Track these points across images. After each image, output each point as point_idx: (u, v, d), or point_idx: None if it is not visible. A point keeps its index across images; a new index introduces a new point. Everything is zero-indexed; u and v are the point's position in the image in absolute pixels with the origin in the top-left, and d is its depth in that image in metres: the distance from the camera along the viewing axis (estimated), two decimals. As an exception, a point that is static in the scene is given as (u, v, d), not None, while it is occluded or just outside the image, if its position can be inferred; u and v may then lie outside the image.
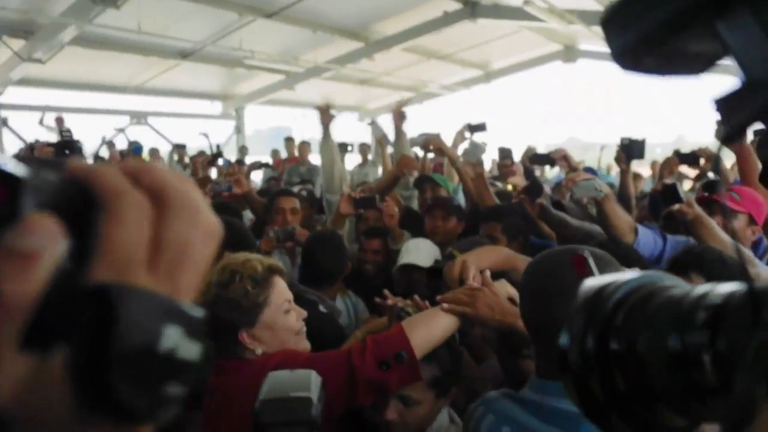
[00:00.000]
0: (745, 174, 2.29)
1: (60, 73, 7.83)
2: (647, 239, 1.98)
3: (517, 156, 4.19)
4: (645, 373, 0.42)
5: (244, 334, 1.36)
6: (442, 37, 8.45)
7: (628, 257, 1.82)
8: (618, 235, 2.03)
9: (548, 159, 3.20)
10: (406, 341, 1.29)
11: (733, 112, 0.33)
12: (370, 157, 6.07)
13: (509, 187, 3.33)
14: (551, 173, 6.64)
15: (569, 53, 10.77)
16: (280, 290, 1.42)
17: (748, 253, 1.82)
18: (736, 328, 0.36)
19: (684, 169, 3.06)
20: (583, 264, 1.18)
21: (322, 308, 2.15)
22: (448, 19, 7.80)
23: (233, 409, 1.31)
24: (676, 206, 1.91)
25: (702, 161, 2.72)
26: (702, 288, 0.41)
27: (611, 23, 0.39)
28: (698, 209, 1.88)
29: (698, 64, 0.38)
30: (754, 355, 0.32)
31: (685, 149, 3.04)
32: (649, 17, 0.36)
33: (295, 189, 4.38)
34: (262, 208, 3.43)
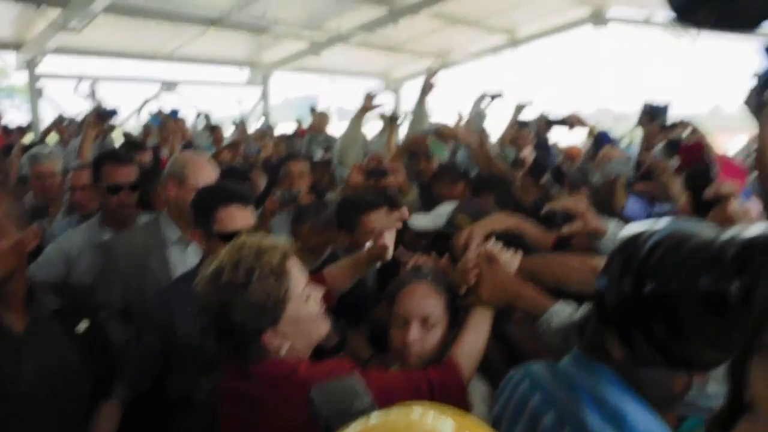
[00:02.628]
0: (765, 147, 2.27)
1: (93, 42, 8.05)
2: (634, 207, 2.15)
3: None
4: (678, 313, 0.44)
5: (268, 334, 1.26)
6: (468, 2, 8.36)
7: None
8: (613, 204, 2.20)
9: (564, 123, 3.24)
10: (465, 392, 1.38)
11: None
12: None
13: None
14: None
15: (597, 18, 10.52)
16: (298, 276, 1.31)
17: None
18: (764, 256, 0.38)
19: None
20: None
21: None
22: (473, -16, 7.73)
23: (278, 423, 1.23)
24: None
25: (685, 133, 2.75)
26: (731, 231, 0.44)
27: None
28: None
29: (748, 21, 0.42)
30: None
31: (722, 120, 3.04)
32: None
33: (318, 155, 4.53)
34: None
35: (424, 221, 2.45)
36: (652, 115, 3.07)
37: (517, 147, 3.19)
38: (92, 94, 8.47)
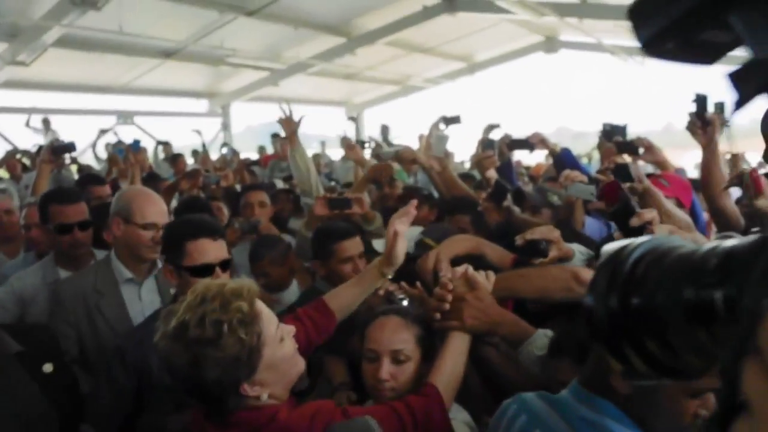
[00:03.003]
0: (709, 167, 2.30)
1: (45, 75, 7.87)
2: (592, 226, 2.18)
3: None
4: (666, 325, 0.46)
5: (245, 385, 1.18)
6: (424, 30, 8.56)
7: (579, 238, 2.01)
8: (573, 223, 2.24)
9: (526, 144, 3.23)
10: (447, 418, 1.35)
11: (743, 84, 0.38)
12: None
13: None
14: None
15: (550, 44, 10.91)
16: (268, 317, 1.23)
17: (686, 219, 1.95)
18: (746, 265, 0.39)
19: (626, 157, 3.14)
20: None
21: None
22: (427, 13, 7.92)
23: None
24: (627, 184, 2.07)
25: (641, 150, 2.80)
26: (710, 243, 0.46)
27: (638, 15, 0.44)
28: (647, 183, 2.02)
29: (712, 53, 0.43)
30: (762, 273, 0.37)
31: (674, 136, 3.06)
32: (671, 10, 0.41)
33: (279, 183, 4.48)
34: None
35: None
36: (611, 135, 3.10)
37: (481, 168, 3.15)
38: (45, 128, 8.26)
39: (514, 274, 1.66)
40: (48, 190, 2.92)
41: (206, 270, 1.68)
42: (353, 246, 2.20)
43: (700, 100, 2.35)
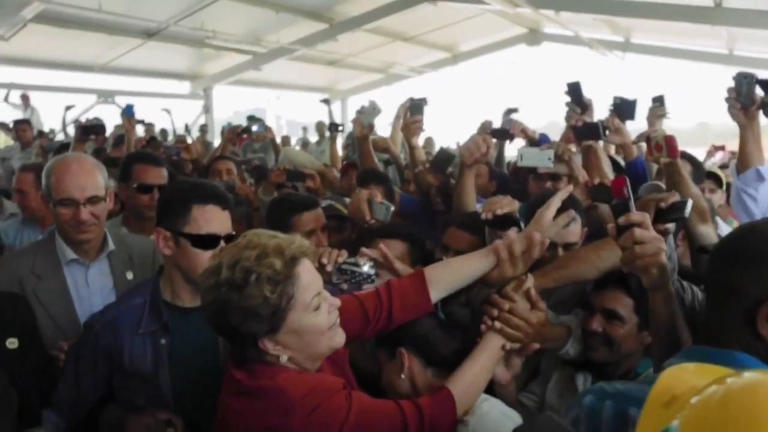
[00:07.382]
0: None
1: (25, 51, 7.87)
2: None
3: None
4: None
5: (266, 341, 1.16)
6: (406, 18, 8.64)
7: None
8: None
9: (506, 133, 3.22)
10: (455, 428, 1.29)
11: None
12: (327, 134, 6.32)
13: None
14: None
15: (533, 37, 11.03)
16: (308, 283, 1.17)
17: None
18: None
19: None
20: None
21: None
22: (408, 1, 8.01)
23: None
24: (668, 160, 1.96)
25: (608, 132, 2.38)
26: None
27: None
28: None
29: None
30: None
31: (710, 136, 2.79)
32: None
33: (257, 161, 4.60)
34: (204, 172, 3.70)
35: None
36: (623, 108, 2.81)
37: (407, 133, 2.85)
38: (25, 104, 8.28)
39: (569, 259, 1.64)
40: (132, 151, 3.12)
41: (211, 241, 1.48)
42: (313, 218, 2.06)
43: (573, 88, 2.24)
